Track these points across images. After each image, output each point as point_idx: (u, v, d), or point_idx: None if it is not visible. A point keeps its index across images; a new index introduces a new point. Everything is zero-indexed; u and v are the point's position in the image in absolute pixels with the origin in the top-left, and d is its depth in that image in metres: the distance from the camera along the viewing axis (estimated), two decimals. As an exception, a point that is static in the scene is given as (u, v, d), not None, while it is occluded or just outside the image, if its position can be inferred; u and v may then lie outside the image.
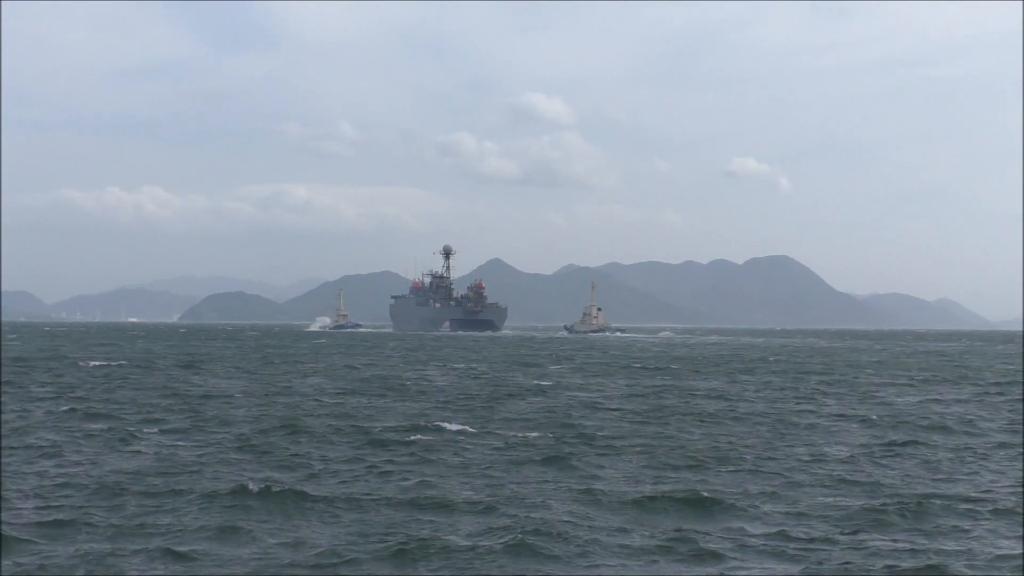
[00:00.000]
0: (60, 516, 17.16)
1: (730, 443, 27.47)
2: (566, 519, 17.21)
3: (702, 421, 33.15)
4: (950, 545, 15.89)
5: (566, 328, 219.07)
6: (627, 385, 50.51)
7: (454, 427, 30.19)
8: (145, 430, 28.90)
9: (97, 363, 67.12)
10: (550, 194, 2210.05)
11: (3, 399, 37.98)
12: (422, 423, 31.34)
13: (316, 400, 39.62)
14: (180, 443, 26.47)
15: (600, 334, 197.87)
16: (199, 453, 24.64)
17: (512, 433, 29.11)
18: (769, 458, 24.63)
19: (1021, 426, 32.51)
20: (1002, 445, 27.80)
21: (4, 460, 23.07)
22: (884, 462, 24.42)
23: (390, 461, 23.61)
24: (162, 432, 28.64)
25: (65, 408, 34.73)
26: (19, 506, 18.01)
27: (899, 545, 15.86)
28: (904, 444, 27.61)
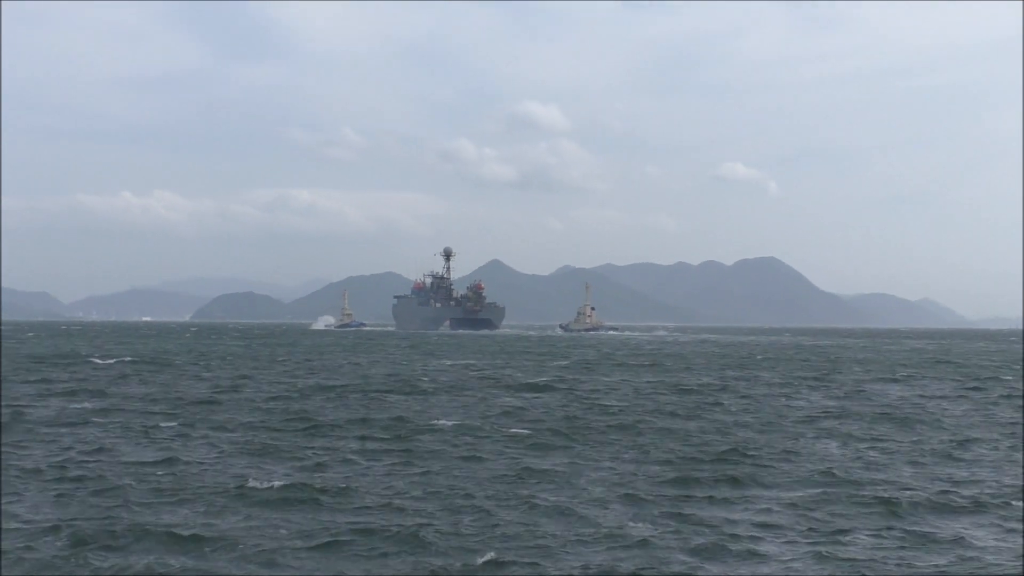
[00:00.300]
0: (73, 508, 17.10)
1: (721, 437, 27.38)
2: (566, 510, 17.15)
3: (693, 415, 33.05)
4: (943, 537, 15.78)
5: (561, 327, 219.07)
6: (621, 381, 50.40)
7: (457, 422, 30.12)
8: (160, 425, 28.80)
9: (112, 360, 66.99)
10: (547, 198, 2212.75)
11: (20, 395, 37.92)
12: (425, 418, 31.28)
13: (324, 395, 39.52)
14: (193, 436, 26.36)
15: (594, 332, 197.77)
16: (210, 446, 24.55)
17: (511, 426, 29.01)
18: (759, 452, 24.53)
19: (1017, 421, 32.46)
20: (983, 440, 27.72)
21: (21, 453, 23.02)
22: (872, 455, 24.34)
23: (395, 453, 23.53)
24: (173, 426, 28.51)
25: (79, 404, 34.63)
26: (32, 498, 17.94)
27: (890, 537, 15.78)
28: (891, 438, 27.56)
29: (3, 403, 34.14)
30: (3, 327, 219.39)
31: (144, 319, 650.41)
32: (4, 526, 15.60)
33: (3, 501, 17.52)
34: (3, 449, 23.56)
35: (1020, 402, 39.50)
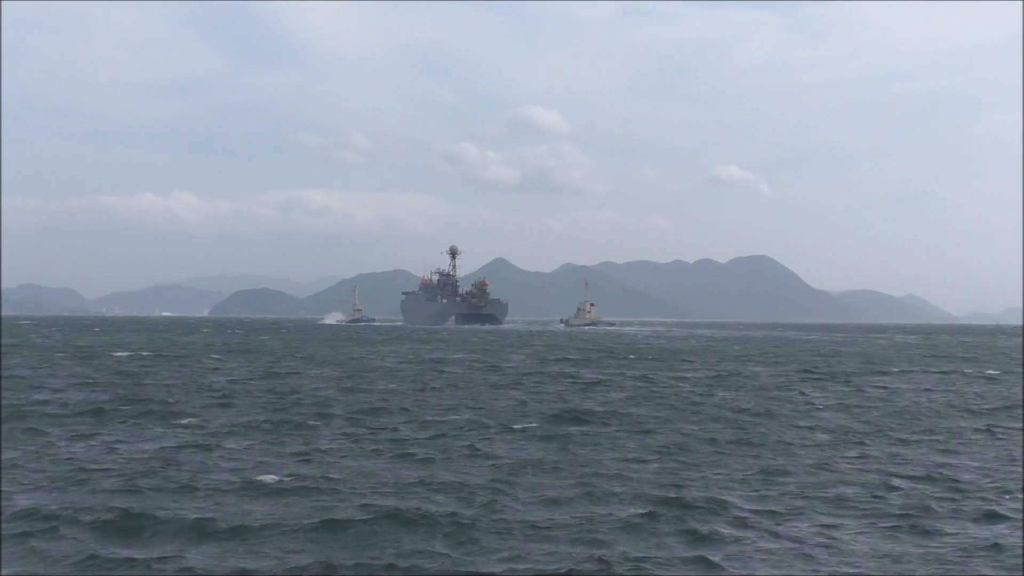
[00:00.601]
0: (97, 497, 16.88)
1: (717, 426, 27.05)
2: (569, 500, 16.90)
3: (689, 406, 32.68)
4: (940, 530, 15.46)
5: (562, 322, 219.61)
6: (619, 373, 50.09)
7: (462, 414, 29.90)
8: (177, 414, 28.56)
9: (130, 353, 66.86)
10: (548, 199, 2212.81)
11: (42, 386, 37.76)
12: (433, 409, 31.05)
13: (337, 387, 39.28)
14: (210, 427, 26.12)
15: (593, 327, 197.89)
16: (228, 436, 24.29)
17: (515, 417, 28.74)
18: (755, 441, 24.22)
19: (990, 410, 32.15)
20: (977, 429, 27.41)
21: (41, 443, 22.82)
22: (867, 443, 24.03)
23: (404, 443, 23.28)
24: (192, 417, 28.27)
25: (98, 396, 34.43)
26: (52, 488, 17.71)
27: (884, 528, 15.50)
28: (881, 429, 27.21)
29: (27, 395, 33.99)
30: (29, 323, 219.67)
31: (164, 314, 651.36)
32: (10, 511, 15.37)
33: (27, 490, 17.31)
34: (26, 439, 23.39)
35: (1003, 392, 39.21)
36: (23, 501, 16.24)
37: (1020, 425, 28.55)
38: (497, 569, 12.87)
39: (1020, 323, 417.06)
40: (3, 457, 20.65)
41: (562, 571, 12.73)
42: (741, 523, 15.34)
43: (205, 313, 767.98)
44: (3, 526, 14.60)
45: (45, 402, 31.54)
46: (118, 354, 65.78)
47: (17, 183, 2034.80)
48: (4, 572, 12.48)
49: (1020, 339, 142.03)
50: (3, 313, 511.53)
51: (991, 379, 49.46)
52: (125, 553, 13.38)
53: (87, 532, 14.40)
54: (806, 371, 53.92)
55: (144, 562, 12.99)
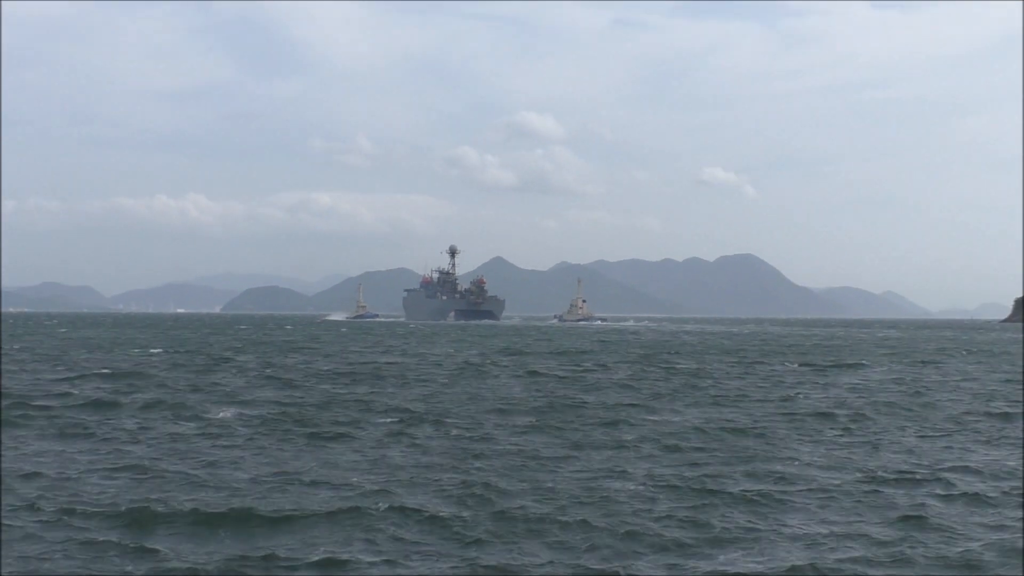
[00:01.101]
0: (110, 493, 16.65)
1: (710, 415, 26.82)
2: (562, 487, 16.68)
3: (681, 396, 32.44)
4: (936, 524, 15.25)
5: (556, 317, 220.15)
6: (615, 364, 49.84)
7: (462, 407, 29.70)
8: (189, 406, 28.29)
9: (141, 349, 66.62)
10: (544, 200, 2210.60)
11: (57, 380, 37.51)
12: (433, 403, 30.85)
13: (342, 380, 39.05)
14: (222, 419, 25.87)
15: (585, 323, 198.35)
16: (240, 426, 24.04)
17: (513, 411, 28.53)
18: (745, 429, 23.99)
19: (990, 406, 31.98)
20: (948, 418, 27.21)
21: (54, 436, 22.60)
22: (853, 431, 23.81)
23: (405, 435, 23.05)
24: (204, 409, 28.01)
25: (110, 387, 34.19)
26: (66, 481, 17.47)
27: (872, 511, 15.28)
28: (867, 417, 26.98)
29: (43, 388, 33.74)
30: (48, 319, 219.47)
31: (178, 311, 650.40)
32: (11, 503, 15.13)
33: (39, 480, 17.07)
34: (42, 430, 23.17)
35: (980, 383, 39.05)
36: (34, 493, 15.99)
37: (994, 412, 28.37)
38: (496, 561, 12.65)
39: (993, 318, 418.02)
40: (24, 449, 20.45)
41: (562, 563, 12.51)
42: (736, 509, 15.11)
43: (217, 310, 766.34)
44: (11, 519, 14.33)
45: (63, 394, 31.26)
46: (138, 351, 65.56)
47: (39, 186, 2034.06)
48: (10, 566, 12.18)
49: (995, 333, 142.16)
50: (26, 310, 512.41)
51: (967, 373, 49.32)
52: (138, 544, 13.13)
53: (100, 523, 14.16)
54: (798, 364, 53.71)
55: (155, 553, 12.76)
